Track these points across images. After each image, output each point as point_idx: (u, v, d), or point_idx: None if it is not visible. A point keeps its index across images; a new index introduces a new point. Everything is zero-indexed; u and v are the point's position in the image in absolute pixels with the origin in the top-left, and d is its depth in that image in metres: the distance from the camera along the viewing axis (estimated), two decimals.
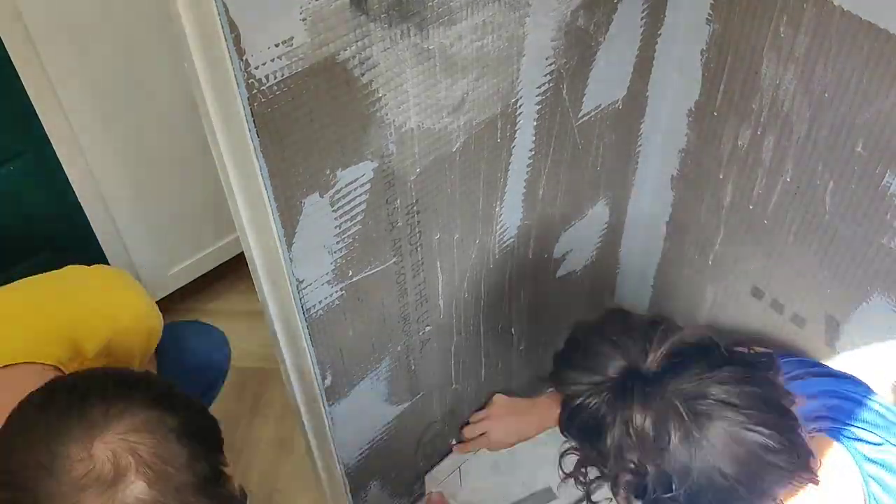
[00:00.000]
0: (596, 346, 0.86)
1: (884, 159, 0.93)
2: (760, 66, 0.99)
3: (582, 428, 0.86)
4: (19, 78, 1.17)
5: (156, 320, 1.02)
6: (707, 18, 1.02)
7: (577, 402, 0.85)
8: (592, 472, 0.89)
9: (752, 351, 0.87)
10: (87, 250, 1.40)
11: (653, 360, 0.82)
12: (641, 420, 0.79)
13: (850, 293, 1.06)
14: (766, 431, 0.79)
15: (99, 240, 1.41)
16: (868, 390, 1.00)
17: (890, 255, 0.98)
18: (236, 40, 0.61)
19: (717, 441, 0.79)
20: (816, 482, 0.83)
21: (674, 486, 0.81)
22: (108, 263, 1.44)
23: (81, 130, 1.27)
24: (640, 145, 1.18)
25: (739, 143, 1.08)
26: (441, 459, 1.33)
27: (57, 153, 1.27)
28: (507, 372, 1.32)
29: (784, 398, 0.82)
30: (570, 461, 0.91)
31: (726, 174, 1.13)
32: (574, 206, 1.15)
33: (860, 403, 0.96)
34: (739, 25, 0.99)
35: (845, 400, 0.96)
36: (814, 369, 1.02)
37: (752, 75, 1.01)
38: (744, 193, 1.12)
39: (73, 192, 1.33)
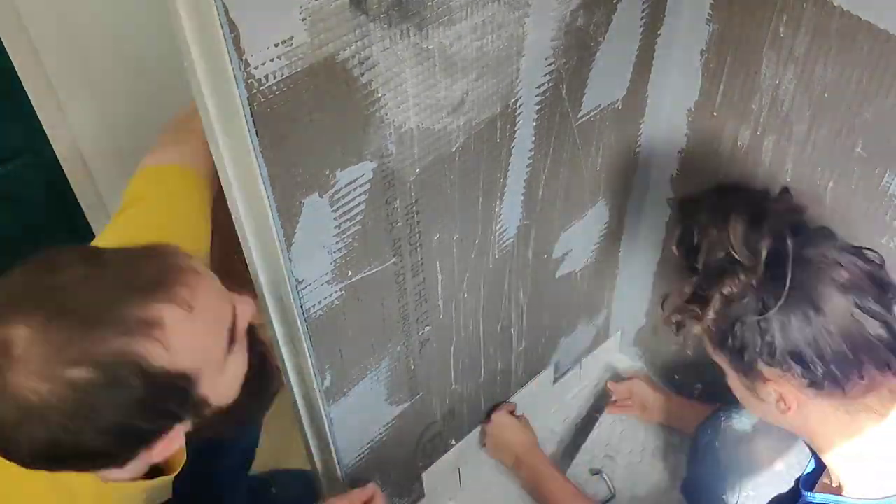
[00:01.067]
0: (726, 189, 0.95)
1: (884, 160, 0.93)
2: (760, 66, 0.99)
3: (693, 237, 0.89)
4: (18, 75, 1.17)
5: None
6: (707, 18, 1.02)
7: (696, 219, 0.89)
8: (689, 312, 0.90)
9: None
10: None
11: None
12: (744, 233, 0.83)
13: None
14: (882, 315, 0.82)
15: (95, 233, 1.41)
16: None
17: (889, 256, 0.98)
18: (236, 40, 0.61)
19: (837, 306, 0.81)
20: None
21: (760, 321, 0.83)
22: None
23: (78, 126, 1.27)
24: (640, 145, 1.18)
25: (739, 143, 1.08)
26: (439, 459, 1.33)
27: (55, 150, 1.27)
28: (507, 372, 1.32)
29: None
30: (670, 305, 0.94)
31: (726, 174, 1.13)
32: (573, 206, 1.15)
33: None
34: (739, 25, 0.99)
35: None
36: None
37: (752, 75, 1.01)
38: None
39: (70, 185, 1.33)
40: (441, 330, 1.08)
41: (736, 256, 0.84)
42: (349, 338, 0.94)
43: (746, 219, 0.85)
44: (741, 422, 1.16)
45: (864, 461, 0.86)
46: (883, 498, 0.84)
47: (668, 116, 1.15)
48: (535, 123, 0.96)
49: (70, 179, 1.31)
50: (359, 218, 0.83)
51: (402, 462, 1.24)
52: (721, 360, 0.92)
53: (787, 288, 0.81)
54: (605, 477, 1.41)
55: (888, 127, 0.90)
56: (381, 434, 1.13)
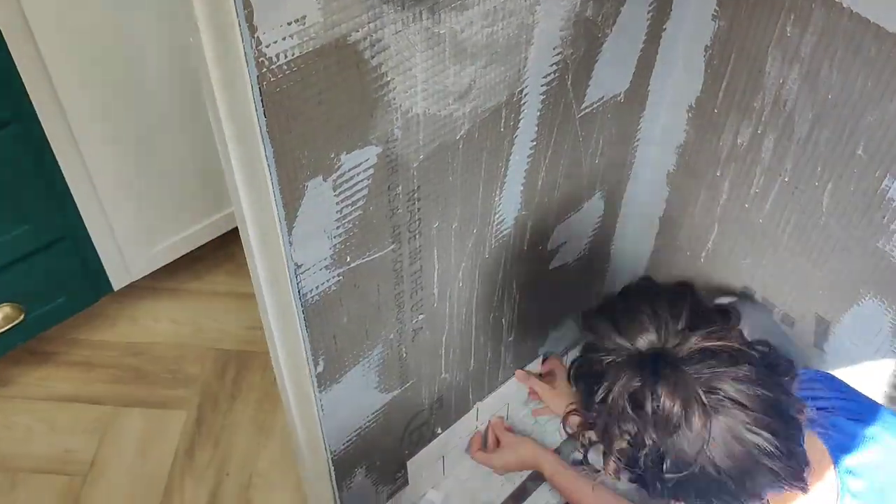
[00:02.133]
0: (638, 313, 0.85)
1: (884, 163, 0.93)
2: (765, 65, 0.99)
3: (589, 381, 0.86)
4: (8, 49, 1.13)
5: None
6: (713, 14, 1.01)
7: (597, 355, 0.85)
8: (591, 436, 0.89)
9: (771, 352, 0.87)
10: (67, 223, 1.37)
11: (685, 348, 0.82)
12: (653, 396, 0.79)
13: (843, 295, 1.06)
14: (767, 436, 0.79)
15: (81, 213, 1.37)
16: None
17: (885, 259, 0.99)
18: (249, 17, 0.60)
19: (718, 435, 0.79)
20: (806, 491, 0.84)
21: (664, 467, 0.81)
22: (88, 236, 1.41)
23: (67, 102, 1.24)
24: (638, 139, 1.18)
25: (739, 140, 1.08)
26: (425, 447, 1.32)
27: (42, 125, 1.24)
28: (496, 362, 1.31)
29: (793, 407, 0.83)
30: (573, 422, 0.92)
31: (723, 172, 1.13)
32: (571, 197, 1.14)
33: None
34: (745, 23, 0.98)
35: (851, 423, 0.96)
36: (842, 401, 0.99)
37: (756, 73, 1.01)
38: (740, 192, 1.12)
39: (57, 162, 1.29)
40: (434, 318, 1.07)
41: (643, 423, 0.82)
42: (344, 324, 0.93)
43: (659, 385, 0.80)
44: None
45: None
46: None
47: (669, 111, 1.14)
48: (538, 113, 0.95)
49: (54, 150, 1.27)
50: (361, 203, 0.82)
51: (389, 449, 1.23)
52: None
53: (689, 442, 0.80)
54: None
55: (891, 131, 0.90)
56: (369, 421, 1.12)
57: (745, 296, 1.22)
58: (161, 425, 1.51)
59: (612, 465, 0.86)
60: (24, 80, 1.17)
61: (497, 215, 1.03)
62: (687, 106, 1.12)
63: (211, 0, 0.59)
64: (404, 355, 1.08)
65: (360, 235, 0.85)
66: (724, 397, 0.79)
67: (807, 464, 0.84)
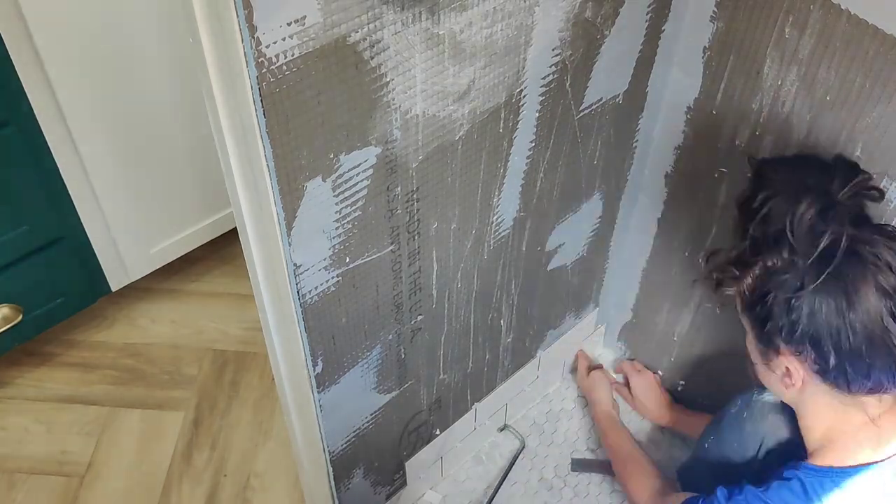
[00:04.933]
0: (806, 159, 0.93)
1: (882, 164, 0.93)
2: (763, 66, 0.99)
3: (751, 203, 0.88)
4: (6, 49, 1.13)
5: None
6: (712, 16, 1.01)
7: (766, 186, 0.88)
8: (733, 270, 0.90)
9: None
10: (65, 224, 1.37)
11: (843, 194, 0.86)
12: (806, 216, 0.82)
13: None
14: None
15: (79, 214, 1.37)
16: None
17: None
18: (249, 17, 0.60)
19: (871, 307, 0.81)
20: None
21: (793, 299, 0.83)
22: (86, 237, 1.41)
23: (66, 102, 1.24)
24: (637, 141, 1.18)
25: (737, 142, 1.08)
26: (423, 448, 1.32)
27: (40, 125, 1.24)
28: (494, 363, 1.31)
29: None
30: (715, 260, 0.94)
31: (721, 173, 1.13)
32: (570, 199, 1.14)
33: None
34: (744, 24, 0.99)
35: None
36: None
37: (754, 75, 1.01)
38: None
39: (55, 163, 1.29)
40: (433, 319, 1.07)
41: (792, 238, 0.84)
42: (343, 325, 0.93)
43: (816, 207, 0.84)
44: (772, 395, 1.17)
45: (834, 442, 0.90)
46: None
47: (667, 113, 1.14)
48: (537, 115, 0.95)
49: (52, 150, 1.27)
50: (360, 204, 0.82)
51: (387, 450, 1.23)
52: (745, 322, 0.93)
53: (826, 275, 0.82)
54: (512, 429, 1.48)
55: (889, 132, 0.91)
56: (368, 422, 1.12)
57: None
58: (159, 426, 1.50)
59: (744, 287, 0.88)
60: (22, 80, 1.18)
61: (496, 216, 1.03)
62: (685, 107, 1.12)
63: (211, 0, 0.60)
64: (403, 356, 1.08)
65: (359, 236, 0.85)
66: (893, 282, 0.82)
67: None
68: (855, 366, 0.84)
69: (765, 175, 0.91)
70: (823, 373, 0.86)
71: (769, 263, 0.86)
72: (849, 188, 0.87)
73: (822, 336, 0.83)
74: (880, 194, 0.91)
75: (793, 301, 0.84)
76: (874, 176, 0.91)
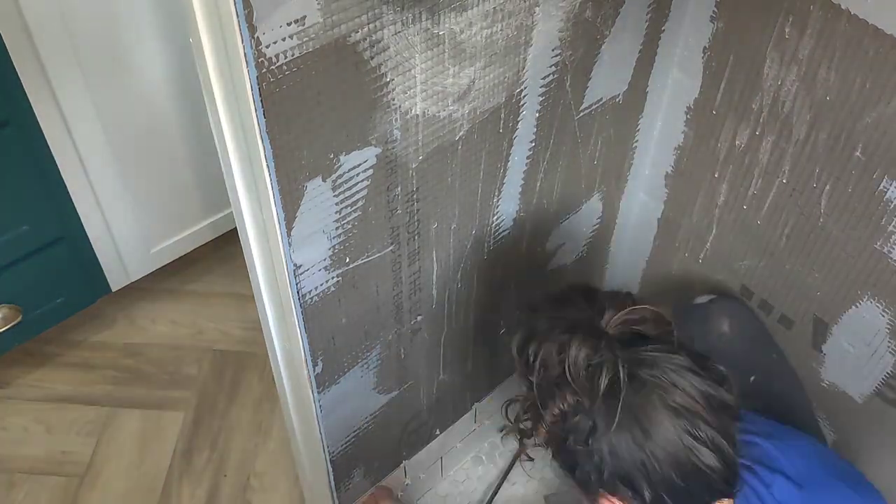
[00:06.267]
0: (570, 296, 0.88)
1: (882, 164, 0.93)
2: (763, 67, 0.99)
3: (525, 348, 0.86)
4: (6, 49, 1.13)
5: None
6: (712, 16, 1.01)
7: (535, 333, 0.85)
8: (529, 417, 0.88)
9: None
10: (66, 224, 1.37)
11: (613, 321, 0.83)
12: (579, 356, 0.79)
13: (841, 296, 1.07)
14: (713, 444, 0.78)
15: (79, 214, 1.37)
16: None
17: (882, 260, 0.99)
18: (249, 17, 0.60)
19: (666, 431, 0.77)
20: (732, 497, 0.82)
21: (590, 440, 0.79)
22: (86, 237, 1.41)
23: (66, 102, 1.24)
24: (637, 141, 1.18)
25: (737, 142, 1.08)
26: (423, 448, 1.32)
27: (40, 126, 1.24)
28: (492, 363, 1.31)
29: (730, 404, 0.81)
30: (513, 411, 0.91)
31: (721, 173, 1.13)
32: (570, 199, 1.14)
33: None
34: (744, 24, 0.99)
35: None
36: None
37: (754, 75, 1.01)
38: (738, 193, 1.12)
39: (55, 163, 1.29)
40: (433, 319, 1.07)
41: (573, 383, 0.80)
42: (342, 325, 0.93)
43: (587, 345, 0.80)
44: None
45: None
46: None
47: (668, 113, 1.14)
48: (537, 115, 0.95)
49: (52, 150, 1.27)
50: (360, 204, 0.82)
51: (387, 450, 1.23)
52: (560, 468, 0.89)
53: (617, 415, 0.78)
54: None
55: (889, 132, 0.91)
56: (367, 422, 1.12)
57: (729, 295, 1.21)
58: (159, 426, 1.51)
59: (540, 435, 0.85)
60: (22, 80, 1.17)
61: (496, 216, 1.03)
62: (685, 107, 1.12)
63: (211, 0, 0.60)
64: (402, 356, 1.08)
65: (359, 236, 0.85)
66: (682, 399, 0.78)
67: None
68: (673, 495, 0.79)
69: (532, 321, 0.87)
70: None
71: (556, 411, 0.82)
72: (617, 318, 0.84)
73: (631, 472, 0.79)
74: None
75: (591, 443, 0.80)
76: (645, 306, 0.86)
